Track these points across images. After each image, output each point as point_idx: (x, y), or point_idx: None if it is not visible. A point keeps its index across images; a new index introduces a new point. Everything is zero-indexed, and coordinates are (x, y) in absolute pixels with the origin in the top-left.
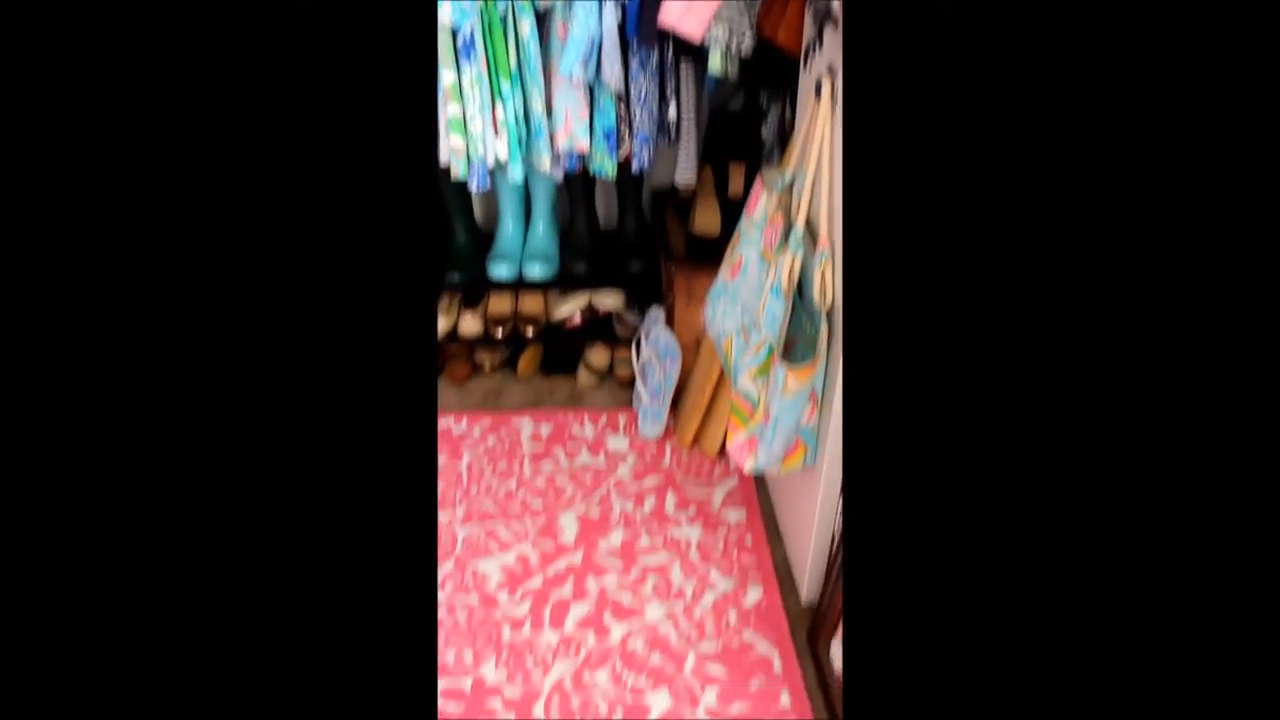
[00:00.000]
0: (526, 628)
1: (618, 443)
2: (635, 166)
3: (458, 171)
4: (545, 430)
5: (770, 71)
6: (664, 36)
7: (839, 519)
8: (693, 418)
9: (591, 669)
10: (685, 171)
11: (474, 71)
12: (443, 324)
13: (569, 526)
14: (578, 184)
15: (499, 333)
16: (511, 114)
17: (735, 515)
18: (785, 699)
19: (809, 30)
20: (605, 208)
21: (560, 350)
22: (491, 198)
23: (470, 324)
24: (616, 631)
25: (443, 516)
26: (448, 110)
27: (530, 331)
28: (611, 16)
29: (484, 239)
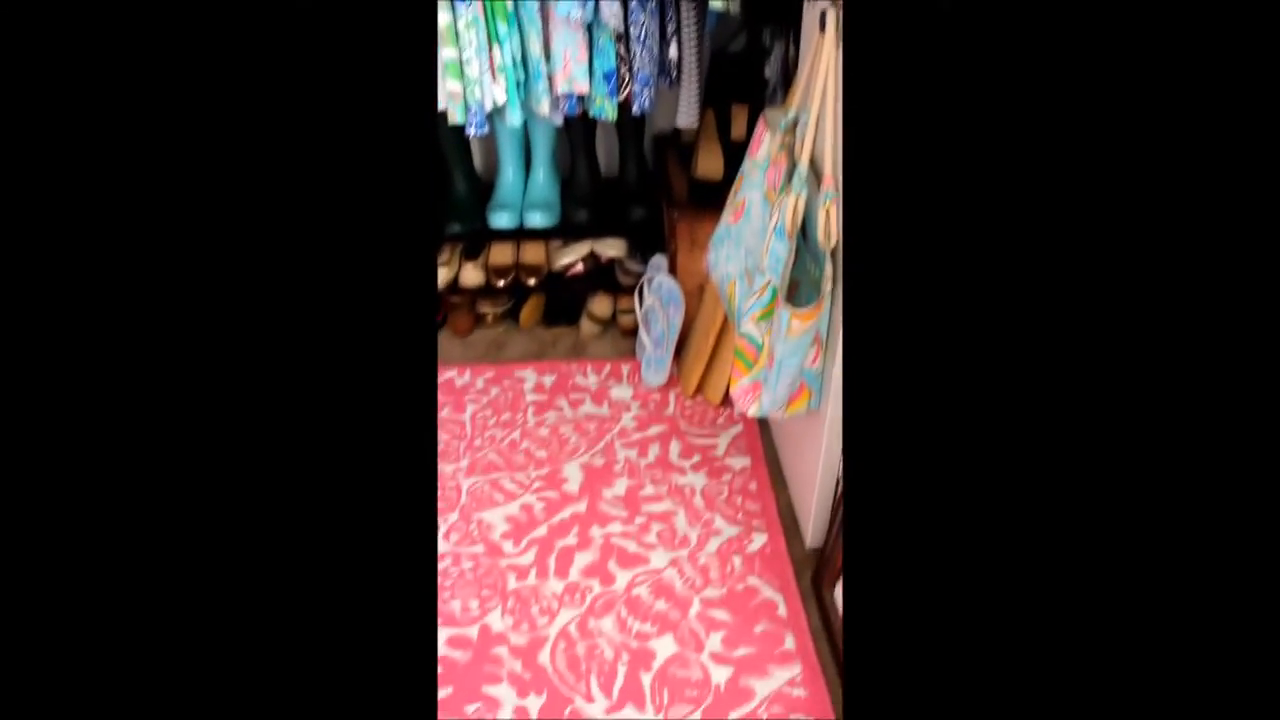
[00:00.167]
0: (532, 576)
1: (621, 392)
2: (636, 108)
3: (455, 116)
4: (548, 381)
5: (773, 6)
6: None
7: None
8: (696, 365)
9: (597, 616)
10: (687, 114)
11: (470, 14)
12: (444, 275)
13: (573, 476)
14: (578, 130)
15: (500, 283)
16: (509, 56)
17: (739, 462)
18: (790, 642)
19: None
20: (606, 155)
21: (563, 300)
22: (491, 147)
23: (471, 275)
24: (621, 579)
25: (447, 468)
26: (443, 54)
27: (532, 281)
28: None
29: (484, 189)
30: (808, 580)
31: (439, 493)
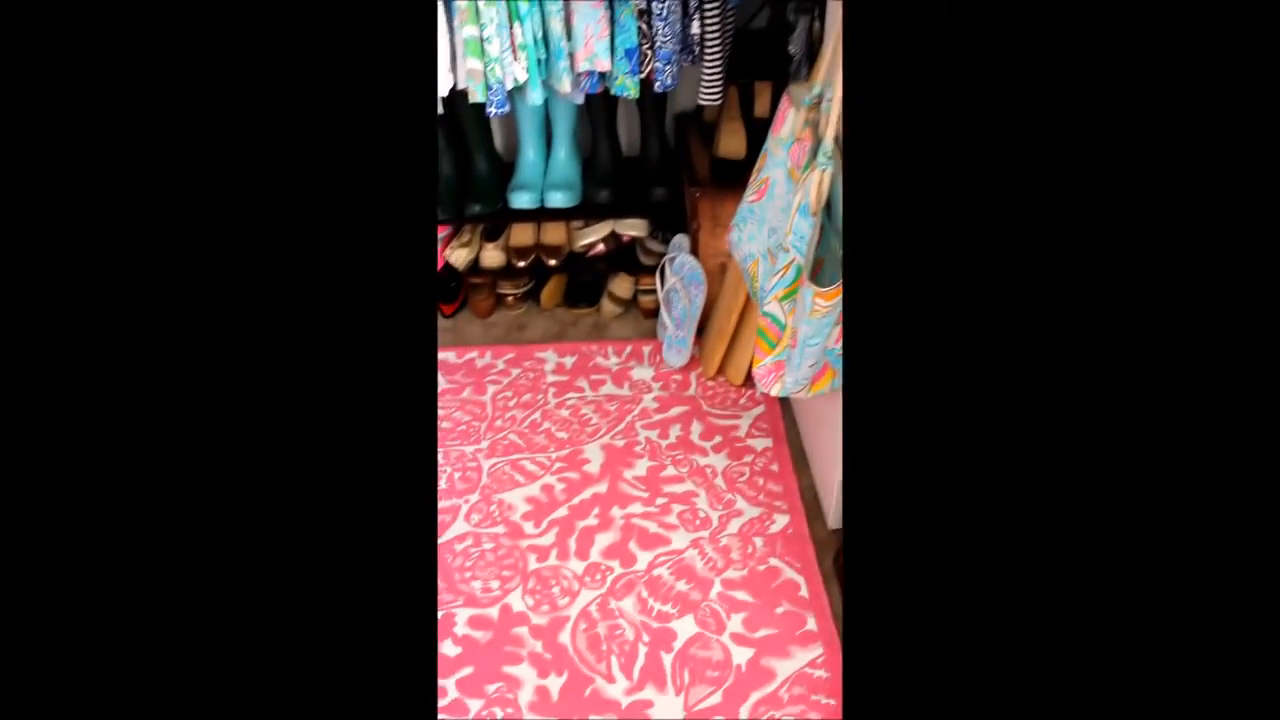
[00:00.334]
0: (552, 556)
1: (642, 372)
2: (658, 86)
3: (475, 95)
4: (569, 362)
5: None
6: None
7: None
8: (718, 346)
9: (617, 597)
10: (710, 92)
11: None
12: (464, 256)
13: (594, 457)
14: (599, 109)
15: (521, 264)
16: (530, 34)
17: (761, 443)
18: (812, 623)
19: None
20: (628, 134)
21: (584, 280)
22: (512, 128)
23: (492, 256)
24: (642, 559)
25: (467, 450)
26: (464, 32)
27: (553, 262)
28: None
29: (505, 170)
30: (830, 562)
31: (460, 473)
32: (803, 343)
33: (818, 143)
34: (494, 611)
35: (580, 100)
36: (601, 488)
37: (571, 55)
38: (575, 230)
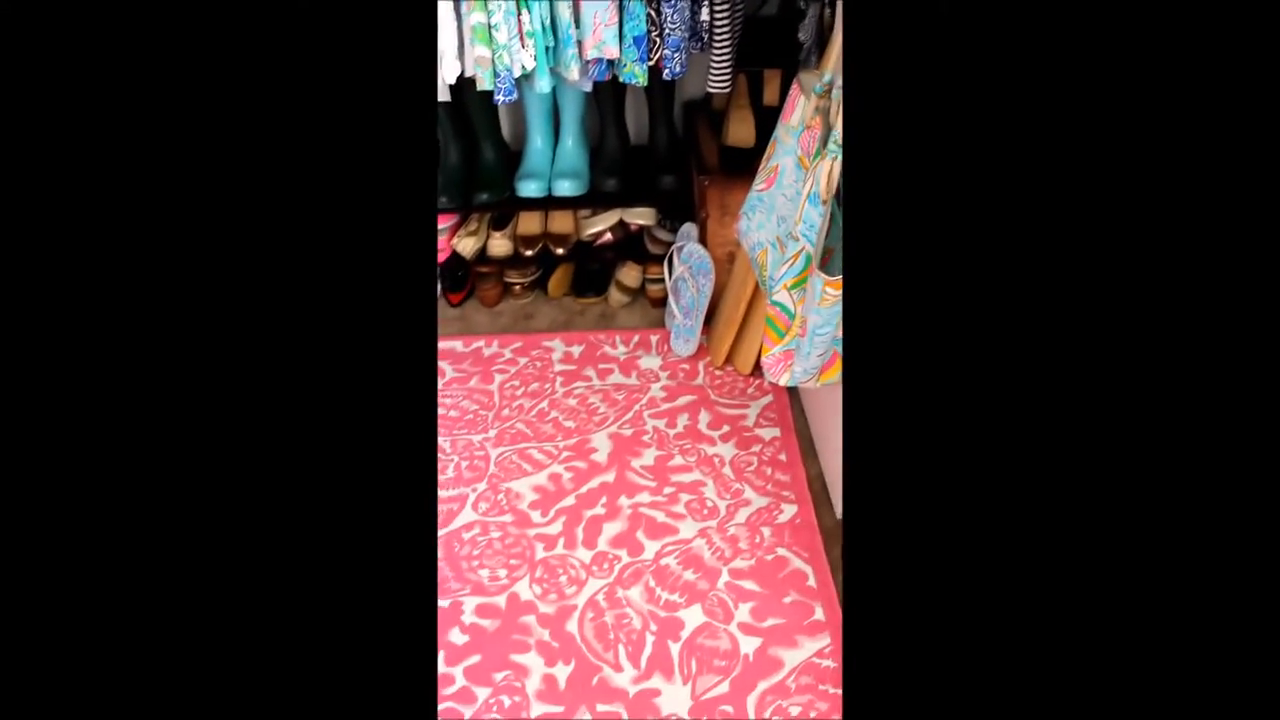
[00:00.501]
0: (560, 545)
1: (650, 362)
2: (667, 74)
3: (483, 82)
4: (577, 351)
5: None
6: None
7: None
8: (726, 335)
9: (625, 586)
10: (719, 79)
11: None
12: (472, 245)
13: (601, 446)
14: (607, 97)
15: (529, 253)
16: (538, 21)
17: (769, 432)
18: (820, 613)
19: None
20: (636, 122)
21: (591, 269)
22: (519, 116)
23: (499, 245)
24: (650, 549)
25: (475, 439)
26: (472, 19)
27: (560, 251)
28: None
29: (512, 158)
30: (838, 551)
31: (468, 462)
32: (812, 332)
33: (828, 130)
34: (501, 600)
35: (588, 88)
36: (609, 477)
37: (580, 42)
38: (583, 219)
